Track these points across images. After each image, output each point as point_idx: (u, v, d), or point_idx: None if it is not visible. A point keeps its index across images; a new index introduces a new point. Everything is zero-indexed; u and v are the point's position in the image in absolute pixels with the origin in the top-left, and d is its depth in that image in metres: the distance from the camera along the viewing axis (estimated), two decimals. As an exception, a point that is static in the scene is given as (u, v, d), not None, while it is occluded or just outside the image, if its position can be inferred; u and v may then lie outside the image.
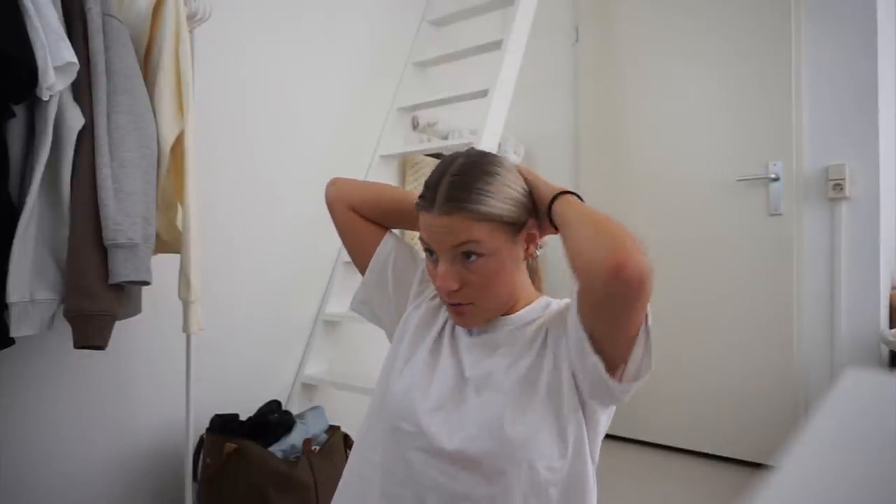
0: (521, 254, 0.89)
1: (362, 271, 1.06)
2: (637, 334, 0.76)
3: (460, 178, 0.84)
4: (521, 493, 0.80)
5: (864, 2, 2.14)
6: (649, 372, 0.77)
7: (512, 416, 0.81)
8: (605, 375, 0.77)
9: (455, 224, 0.82)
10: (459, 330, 0.94)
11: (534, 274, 0.98)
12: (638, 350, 0.76)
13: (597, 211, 0.83)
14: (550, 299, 0.95)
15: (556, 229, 0.88)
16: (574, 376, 0.82)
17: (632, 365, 0.76)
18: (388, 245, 1.04)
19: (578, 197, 0.87)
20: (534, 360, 0.85)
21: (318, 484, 1.49)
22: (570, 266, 0.79)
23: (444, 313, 0.97)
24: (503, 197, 0.84)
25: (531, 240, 0.89)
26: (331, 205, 1.11)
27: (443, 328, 0.96)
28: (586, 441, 0.84)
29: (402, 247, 1.05)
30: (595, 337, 0.77)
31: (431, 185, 0.85)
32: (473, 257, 0.83)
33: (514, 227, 0.85)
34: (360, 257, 1.07)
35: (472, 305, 0.87)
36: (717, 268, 2.39)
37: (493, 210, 0.83)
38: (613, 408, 0.87)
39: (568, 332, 0.82)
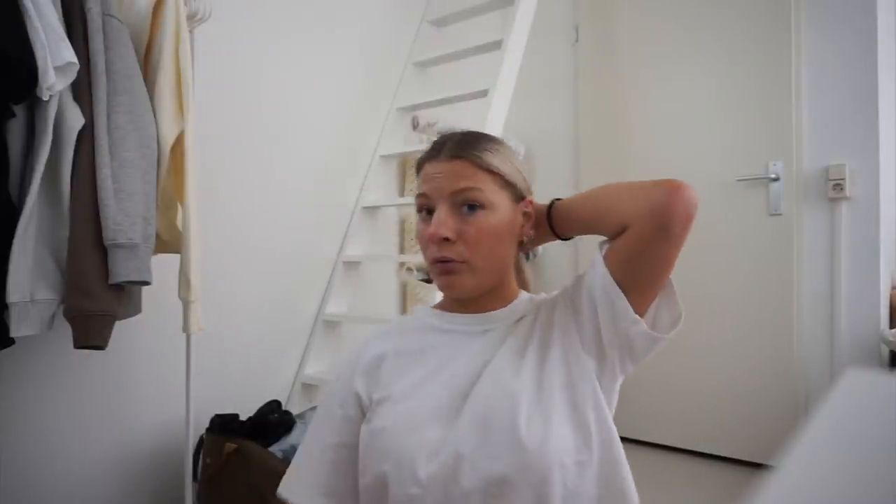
0: (517, 227, 0.86)
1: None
2: (667, 281, 0.79)
3: (469, 134, 0.86)
4: (560, 497, 0.74)
5: (864, 2, 2.14)
6: (682, 321, 0.79)
7: (528, 423, 0.75)
8: (642, 323, 0.77)
9: (461, 168, 0.81)
10: (436, 338, 0.87)
11: (519, 273, 0.95)
12: (671, 298, 0.79)
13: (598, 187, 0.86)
14: (532, 294, 0.92)
15: (556, 236, 0.88)
16: (597, 345, 0.80)
17: (665, 314, 0.79)
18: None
19: None
20: (540, 352, 0.81)
21: (318, 484, 1.49)
22: (609, 223, 0.79)
23: (391, 342, 0.88)
24: (508, 159, 0.85)
25: (528, 218, 0.87)
26: None
27: (402, 357, 0.87)
28: (609, 420, 0.80)
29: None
30: (627, 287, 0.77)
31: (439, 141, 0.86)
32: (475, 208, 0.81)
33: (515, 190, 0.85)
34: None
35: (464, 264, 0.81)
36: (717, 268, 2.39)
37: (500, 165, 0.83)
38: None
39: (589, 296, 0.81)
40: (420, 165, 0.87)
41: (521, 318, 0.87)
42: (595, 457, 0.77)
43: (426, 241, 0.82)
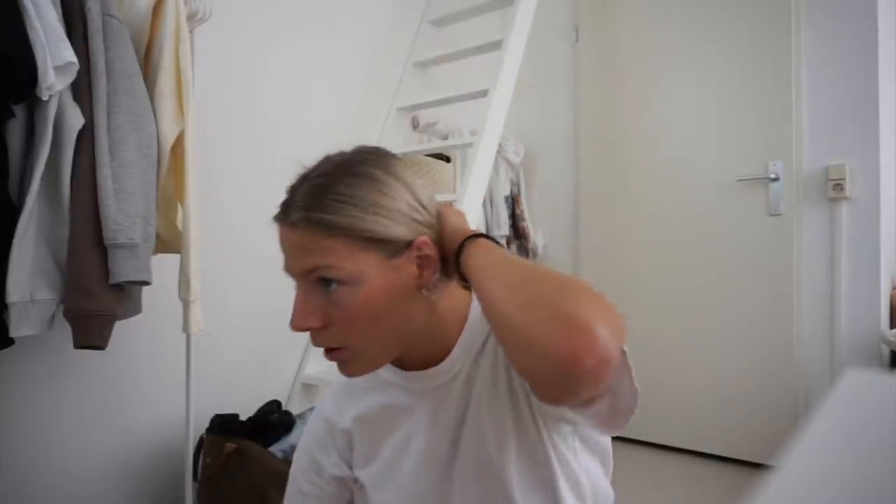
0: (410, 281, 0.66)
1: None
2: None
3: (322, 180, 0.66)
4: None
5: (864, 3, 2.14)
6: (635, 409, 0.62)
7: (523, 489, 0.67)
8: (583, 424, 0.67)
9: (305, 241, 0.64)
10: (396, 401, 0.75)
11: (452, 292, 0.74)
12: (621, 395, 0.60)
13: (526, 262, 0.62)
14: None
15: (464, 282, 0.66)
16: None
17: (617, 410, 0.61)
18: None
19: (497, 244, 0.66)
20: (513, 407, 0.68)
21: (318, 484, 1.49)
22: (497, 341, 0.61)
23: (344, 422, 0.79)
24: (372, 205, 0.64)
25: (426, 264, 0.67)
26: None
27: (366, 441, 0.77)
28: (601, 473, 0.74)
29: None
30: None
31: (290, 189, 0.69)
32: (333, 285, 0.64)
33: (388, 246, 0.65)
34: None
35: (346, 349, 0.67)
36: (717, 268, 2.39)
37: (354, 224, 0.63)
38: None
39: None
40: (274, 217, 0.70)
41: (481, 349, 0.71)
42: None
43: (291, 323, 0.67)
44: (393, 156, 0.71)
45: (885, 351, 2.12)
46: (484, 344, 0.71)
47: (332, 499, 0.79)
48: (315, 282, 0.65)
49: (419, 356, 0.72)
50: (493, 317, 0.58)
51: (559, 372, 0.50)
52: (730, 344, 2.37)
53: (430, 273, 0.67)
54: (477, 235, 0.65)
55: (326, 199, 0.64)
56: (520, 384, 0.68)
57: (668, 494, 2.15)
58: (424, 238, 0.67)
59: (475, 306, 0.72)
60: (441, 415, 0.71)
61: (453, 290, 0.71)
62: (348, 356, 0.67)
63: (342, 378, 0.74)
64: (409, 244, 0.66)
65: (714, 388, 2.40)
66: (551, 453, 0.68)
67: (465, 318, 0.72)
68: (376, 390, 0.78)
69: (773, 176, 2.29)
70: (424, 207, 0.68)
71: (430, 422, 0.72)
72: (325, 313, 0.65)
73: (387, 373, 0.76)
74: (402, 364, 0.74)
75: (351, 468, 0.79)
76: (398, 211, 0.65)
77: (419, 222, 0.67)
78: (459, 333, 0.71)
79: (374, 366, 0.69)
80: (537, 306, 0.53)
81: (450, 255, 0.67)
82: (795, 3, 2.25)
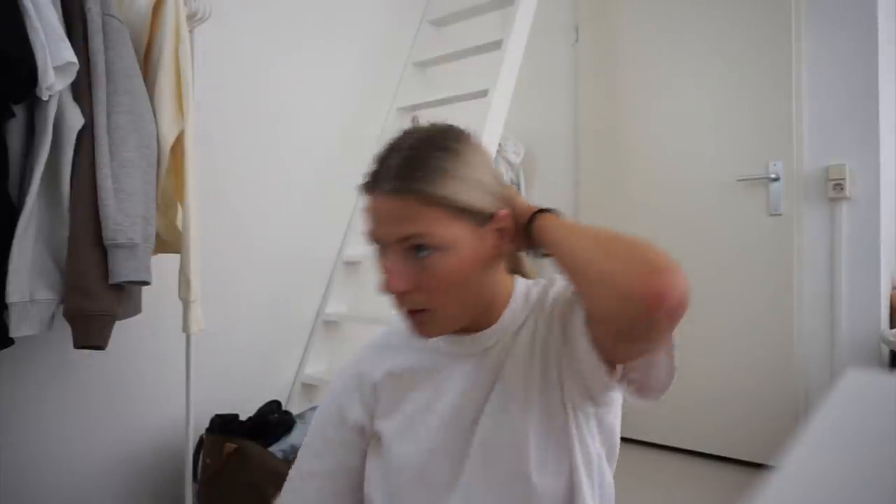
0: (491, 251, 0.72)
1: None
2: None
3: (413, 153, 0.69)
4: None
5: (865, 2, 2.14)
6: (668, 389, 0.68)
7: (539, 469, 0.70)
8: (625, 393, 0.69)
9: (402, 209, 0.67)
10: (429, 362, 0.79)
11: (517, 264, 0.84)
12: (658, 367, 0.66)
13: (596, 225, 0.68)
14: (527, 284, 0.79)
15: (533, 250, 0.75)
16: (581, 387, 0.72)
17: (652, 381, 0.68)
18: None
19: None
20: (542, 381, 0.72)
21: (318, 484, 1.49)
22: (577, 291, 0.67)
23: (375, 377, 0.81)
24: (464, 178, 0.69)
25: (505, 235, 0.73)
26: None
27: (394, 395, 0.80)
28: (605, 457, 0.76)
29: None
30: (606, 354, 0.66)
31: (378, 160, 0.71)
32: (426, 251, 0.67)
33: (477, 216, 0.70)
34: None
35: (430, 312, 0.70)
36: (717, 268, 2.39)
37: (451, 193, 0.67)
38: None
39: (569, 347, 0.70)
40: (361, 189, 0.73)
41: (520, 327, 0.76)
42: (593, 489, 0.73)
43: (382, 287, 0.70)
44: (469, 133, 0.75)
45: (885, 351, 2.12)
46: (523, 324, 0.76)
47: (352, 447, 0.81)
48: (408, 248, 0.68)
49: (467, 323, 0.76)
50: (576, 271, 0.65)
51: (643, 310, 0.57)
52: (730, 343, 2.37)
53: (507, 244, 0.73)
54: (544, 209, 0.72)
55: (421, 171, 0.68)
56: (555, 363, 0.72)
57: (668, 494, 2.15)
58: (506, 211, 0.72)
59: (520, 290, 0.78)
60: (471, 380, 0.75)
61: (501, 269, 0.77)
62: (430, 318, 0.71)
63: (379, 336, 0.83)
64: (491, 216, 0.71)
65: (714, 387, 2.40)
66: (573, 431, 0.71)
67: (509, 297, 0.77)
68: (412, 349, 0.81)
69: (773, 176, 2.29)
70: (500, 183, 0.74)
71: (459, 385, 0.76)
72: (415, 278, 0.68)
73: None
74: None
75: (373, 420, 0.81)
76: (484, 184, 0.71)
77: (499, 196, 0.72)
78: (502, 310, 0.76)
79: (450, 328, 0.74)
80: (620, 256, 0.61)
81: (521, 227, 0.72)
82: (795, 4, 2.25)
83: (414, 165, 0.68)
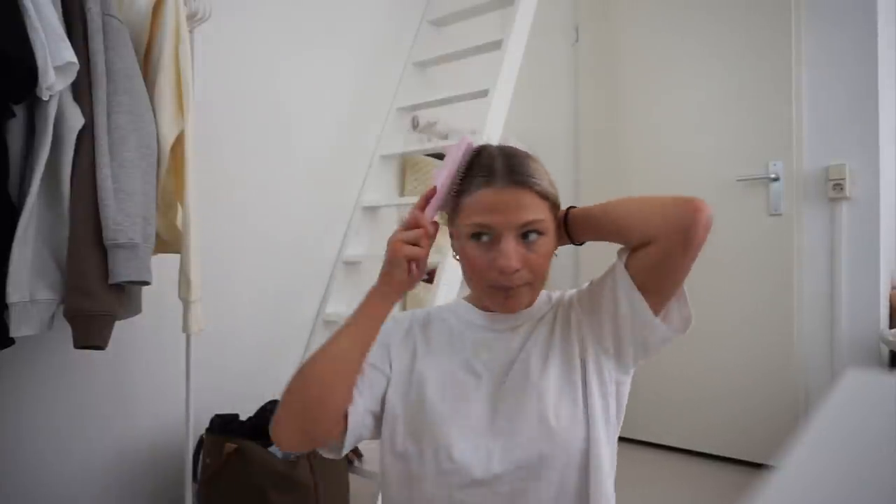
0: (558, 237, 0.89)
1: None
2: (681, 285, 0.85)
3: (513, 156, 0.85)
4: (574, 485, 0.82)
5: (865, 2, 2.14)
6: (692, 321, 0.87)
7: (556, 411, 0.83)
8: (661, 324, 0.84)
9: (524, 199, 0.82)
10: (461, 332, 0.93)
11: None
12: (683, 300, 0.87)
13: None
14: (548, 292, 0.96)
15: (570, 241, 0.91)
16: (615, 344, 0.86)
17: (676, 315, 0.86)
18: (358, 415, 0.87)
19: None
20: (563, 352, 0.87)
21: (317, 484, 1.49)
22: (634, 237, 0.83)
23: (414, 333, 0.94)
24: (548, 179, 0.87)
25: (560, 226, 0.90)
26: (324, 437, 0.87)
27: (428, 345, 0.93)
28: (620, 414, 0.89)
29: (361, 396, 0.88)
30: (647, 291, 0.83)
31: (484, 163, 0.84)
32: (534, 236, 0.83)
33: (556, 209, 0.88)
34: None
35: (527, 286, 0.86)
36: (717, 268, 2.39)
37: (548, 190, 0.85)
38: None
39: (611, 299, 0.85)
40: (466, 189, 0.84)
41: (542, 316, 0.92)
42: (610, 445, 0.86)
43: (490, 271, 0.83)
44: None
45: (885, 351, 2.12)
46: (545, 315, 0.92)
47: (386, 378, 0.91)
48: (521, 233, 0.83)
49: None
50: (626, 222, 0.85)
51: (688, 219, 0.78)
52: (730, 343, 2.37)
53: (561, 233, 0.89)
54: (570, 207, 0.90)
55: (528, 170, 0.83)
56: (577, 340, 0.88)
57: (668, 494, 2.15)
58: (562, 208, 0.90)
59: (543, 292, 0.94)
60: (503, 346, 0.90)
61: None
62: (527, 291, 0.86)
63: (419, 310, 0.99)
64: (558, 209, 0.89)
65: (714, 387, 2.40)
66: (594, 393, 0.85)
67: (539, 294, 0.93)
68: (449, 321, 0.95)
69: (773, 176, 2.29)
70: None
71: (484, 352, 0.90)
72: (524, 258, 0.83)
73: (463, 311, 0.95)
74: (486, 307, 0.93)
75: (414, 359, 0.92)
76: (551, 181, 0.87)
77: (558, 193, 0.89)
78: (534, 301, 0.92)
79: (531, 301, 0.90)
80: (658, 206, 0.83)
81: (559, 222, 0.88)
82: (795, 4, 2.25)
83: (521, 165, 0.84)
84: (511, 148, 0.88)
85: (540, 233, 0.83)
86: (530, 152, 0.89)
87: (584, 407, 0.84)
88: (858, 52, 2.15)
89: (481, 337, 0.91)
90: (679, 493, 2.16)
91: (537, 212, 0.83)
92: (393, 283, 0.85)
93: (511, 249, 0.81)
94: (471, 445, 0.83)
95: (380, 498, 1.37)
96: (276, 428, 0.86)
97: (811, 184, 2.24)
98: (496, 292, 0.86)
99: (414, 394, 0.88)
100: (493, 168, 0.83)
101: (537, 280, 0.86)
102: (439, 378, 0.88)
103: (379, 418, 0.90)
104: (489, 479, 0.81)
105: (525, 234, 0.83)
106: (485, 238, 0.83)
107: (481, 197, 0.82)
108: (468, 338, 0.92)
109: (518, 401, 0.84)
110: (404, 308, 2.48)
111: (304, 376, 0.86)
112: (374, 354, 0.90)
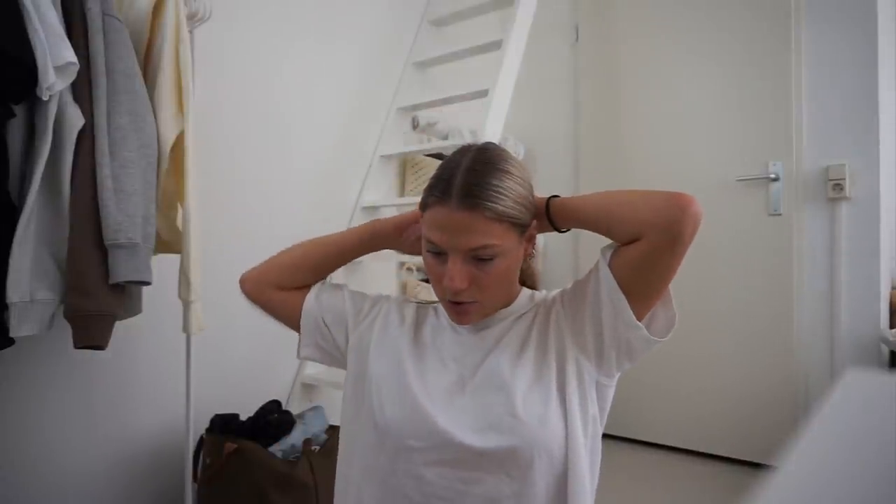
0: (524, 254, 0.88)
1: (296, 329, 1.07)
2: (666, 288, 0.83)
3: (477, 172, 0.81)
4: (545, 483, 0.80)
5: (865, 2, 2.14)
6: (676, 324, 0.84)
7: (525, 407, 0.81)
8: (643, 329, 0.82)
9: (474, 223, 0.79)
10: (441, 327, 0.93)
11: (530, 274, 0.99)
12: (668, 302, 0.84)
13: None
14: (532, 291, 0.96)
15: (554, 228, 0.89)
16: (596, 347, 0.85)
17: (662, 317, 0.84)
18: (312, 300, 1.04)
19: None
20: (537, 351, 0.86)
21: (318, 484, 1.49)
22: (621, 232, 0.82)
23: (409, 317, 0.97)
24: (515, 196, 0.82)
25: (531, 240, 0.89)
26: (256, 297, 1.08)
27: (415, 332, 0.94)
28: (599, 420, 0.86)
29: (326, 292, 1.05)
30: (631, 293, 0.81)
31: (445, 178, 0.81)
32: (487, 258, 0.81)
33: (522, 227, 0.84)
34: (294, 322, 1.07)
35: (476, 303, 0.85)
36: (716, 268, 2.39)
37: (508, 210, 0.80)
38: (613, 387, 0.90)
39: (593, 300, 0.84)
40: (426, 202, 0.84)
41: (521, 315, 0.92)
42: (589, 447, 0.84)
43: (441, 284, 0.84)
44: (511, 153, 0.89)
45: (885, 351, 2.12)
46: (524, 314, 0.91)
47: (343, 316, 1.00)
48: (472, 256, 0.81)
49: None
50: (608, 213, 0.83)
51: (677, 210, 0.77)
52: (729, 344, 2.37)
53: (532, 248, 0.90)
54: (553, 196, 0.88)
55: (487, 189, 0.79)
56: (555, 340, 0.87)
57: (668, 494, 2.15)
58: (535, 222, 0.87)
59: (526, 292, 0.94)
60: (467, 347, 0.90)
61: (528, 278, 0.98)
62: (476, 309, 0.86)
63: (422, 313, 0.99)
64: (528, 225, 0.86)
65: (714, 387, 2.41)
66: (572, 391, 0.83)
67: (517, 295, 0.93)
68: (425, 314, 0.97)
69: (772, 176, 2.29)
70: (531, 191, 0.87)
71: (455, 347, 0.90)
72: (472, 278, 0.82)
73: (437, 308, 0.96)
74: None
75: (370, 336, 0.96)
76: (525, 199, 0.84)
77: (529, 205, 0.85)
78: (510, 305, 0.92)
79: (485, 316, 0.89)
80: (646, 199, 0.81)
81: (541, 214, 0.87)
82: (795, 3, 2.25)
83: (479, 184, 0.79)
84: (481, 160, 0.83)
85: (493, 256, 0.81)
86: (512, 159, 0.86)
87: (561, 406, 0.82)
88: (858, 52, 2.15)
89: (456, 337, 0.92)
90: (678, 493, 2.16)
91: (488, 236, 0.79)
92: (393, 230, 0.96)
93: (456, 271, 0.81)
94: (438, 432, 0.82)
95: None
96: (247, 273, 1.09)
97: (811, 184, 2.24)
98: (448, 305, 0.87)
99: (383, 366, 0.91)
100: (450, 184, 0.80)
101: (490, 299, 0.86)
102: (407, 360, 0.91)
103: (326, 329, 1.01)
104: (452, 461, 0.81)
105: (476, 255, 0.81)
106: (438, 252, 0.83)
107: (435, 214, 0.82)
108: (433, 330, 0.94)
109: (484, 395, 0.84)
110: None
111: (290, 248, 1.07)
112: (359, 299, 1.02)
